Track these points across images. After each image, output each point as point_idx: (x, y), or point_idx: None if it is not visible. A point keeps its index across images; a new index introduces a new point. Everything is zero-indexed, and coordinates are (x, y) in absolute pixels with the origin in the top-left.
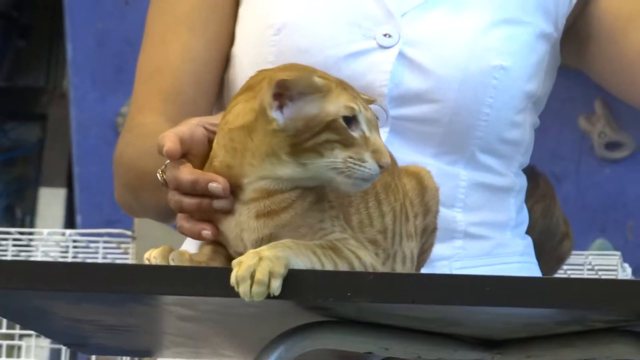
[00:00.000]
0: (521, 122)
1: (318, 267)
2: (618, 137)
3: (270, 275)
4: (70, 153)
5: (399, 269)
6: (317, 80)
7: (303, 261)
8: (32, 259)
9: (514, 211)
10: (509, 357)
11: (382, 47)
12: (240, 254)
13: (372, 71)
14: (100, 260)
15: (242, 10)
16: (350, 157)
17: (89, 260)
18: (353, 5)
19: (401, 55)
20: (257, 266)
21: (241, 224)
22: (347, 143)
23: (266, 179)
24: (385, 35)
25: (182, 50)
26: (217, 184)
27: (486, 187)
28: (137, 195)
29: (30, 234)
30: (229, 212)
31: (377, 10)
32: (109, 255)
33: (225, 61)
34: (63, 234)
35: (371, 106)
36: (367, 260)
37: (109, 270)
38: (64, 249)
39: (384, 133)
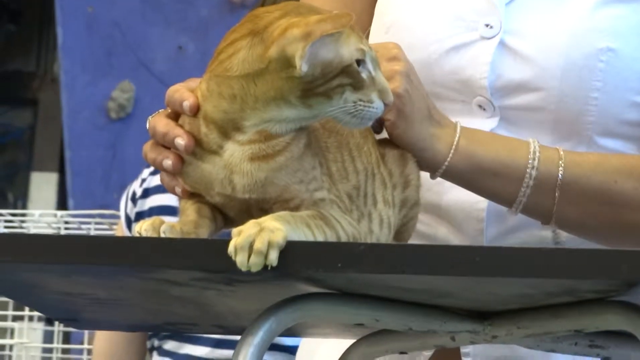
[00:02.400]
0: None
1: (311, 239)
2: None
3: (269, 246)
4: (62, 137)
5: (376, 230)
6: (337, 22)
7: (298, 234)
8: None
9: None
10: (499, 328)
11: (483, 38)
12: (227, 197)
13: (472, 64)
14: None
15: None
16: (360, 100)
17: None
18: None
19: (502, 45)
20: (257, 236)
21: (232, 166)
22: (357, 86)
23: (271, 121)
24: (487, 25)
25: None
26: (181, 139)
27: None
28: None
29: (23, 215)
30: (182, 158)
31: (481, 2)
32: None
33: None
34: (55, 215)
35: (479, 97)
36: (349, 230)
37: (99, 242)
38: (55, 231)
39: (493, 123)
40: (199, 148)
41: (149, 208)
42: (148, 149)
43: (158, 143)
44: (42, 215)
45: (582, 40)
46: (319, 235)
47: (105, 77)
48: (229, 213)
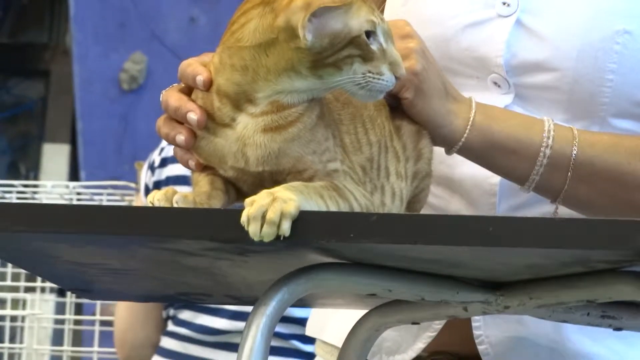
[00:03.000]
0: None
1: (324, 210)
2: None
3: (282, 216)
4: (74, 109)
5: (389, 203)
6: (335, 2)
7: (311, 205)
8: None
9: None
10: (511, 299)
11: (500, 16)
12: (240, 170)
13: (488, 41)
14: None
15: None
16: (370, 72)
17: None
18: None
19: (518, 23)
20: (270, 206)
21: (245, 138)
22: (367, 57)
23: (283, 92)
24: (504, 3)
25: None
26: (193, 114)
27: None
28: None
29: (35, 186)
30: (194, 133)
31: None
32: None
33: None
34: (67, 187)
35: (494, 75)
36: (362, 201)
37: (111, 212)
38: (67, 202)
39: (508, 99)
40: (211, 122)
41: (166, 177)
42: (161, 123)
43: (171, 118)
44: (54, 187)
45: (599, 22)
46: (332, 205)
47: (117, 49)
48: (242, 187)
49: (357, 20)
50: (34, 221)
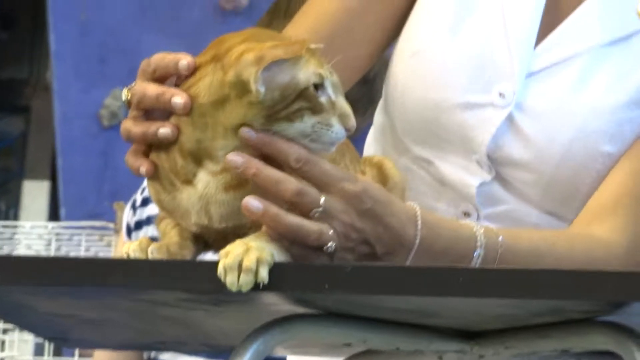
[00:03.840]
0: None
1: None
2: None
3: (259, 263)
4: (54, 145)
5: None
6: (289, 49)
7: (283, 254)
8: (15, 252)
9: None
10: (486, 348)
11: (494, 105)
12: (204, 227)
13: (477, 127)
14: (83, 253)
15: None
16: (319, 123)
17: (72, 253)
18: (485, 48)
19: (509, 119)
20: (245, 255)
21: (207, 197)
22: (316, 109)
23: (240, 148)
24: (500, 94)
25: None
26: (179, 98)
27: None
28: None
29: (14, 227)
30: (172, 140)
31: (503, 63)
32: (92, 248)
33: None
34: (46, 227)
35: (477, 156)
36: None
37: (87, 265)
38: (47, 242)
39: (488, 176)
40: (175, 179)
41: (147, 217)
42: (129, 155)
43: (136, 150)
44: (33, 227)
45: (585, 139)
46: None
47: (98, 85)
48: (207, 239)
49: (305, 73)
50: (8, 274)
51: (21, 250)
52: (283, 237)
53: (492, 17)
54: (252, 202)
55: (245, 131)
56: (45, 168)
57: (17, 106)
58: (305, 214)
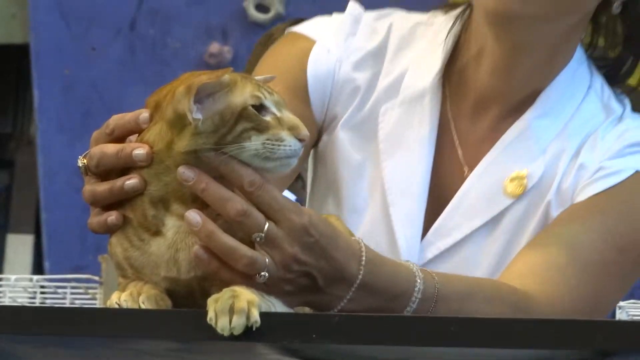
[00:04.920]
0: None
1: (272, 309)
2: None
3: (250, 305)
4: (38, 199)
5: None
6: (223, 77)
7: (266, 303)
8: None
9: None
10: None
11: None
12: (172, 280)
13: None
14: (67, 307)
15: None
16: (268, 139)
17: (56, 306)
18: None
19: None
20: (235, 299)
21: (176, 244)
22: (261, 128)
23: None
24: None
25: None
26: (141, 150)
27: None
28: None
29: None
30: (140, 190)
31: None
32: (76, 301)
33: None
34: (30, 280)
35: None
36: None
37: (76, 314)
38: (31, 295)
39: None
40: (144, 232)
41: None
42: (93, 217)
43: (102, 175)
44: (17, 280)
45: None
46: (271, 305)
47: (81, 139)
48: (175, 296)
49: (241, 96)
50: None
51: (5, 304)
52: (215, 257)
53: (377, 219)
54: (193, 215)
55: (205, 155)
56: (30, 221)
57: (1, 160)
58: (248, 236)
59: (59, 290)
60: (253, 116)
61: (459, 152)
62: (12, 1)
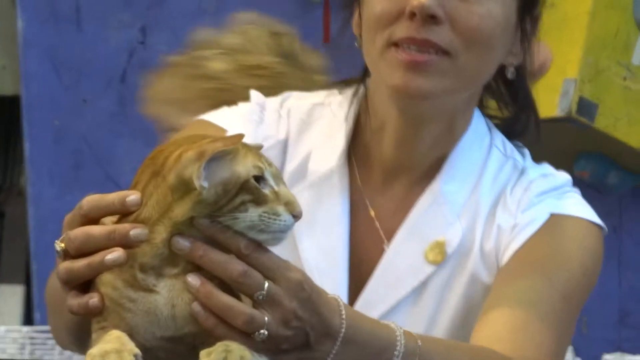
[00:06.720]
0: None
1: None
2: None
3: (242, 359)
4: (28, 250)
5: None
6: (228, 141)
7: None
8: None
9: None
10: None
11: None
12: (161, 339)
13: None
14: (57, 357)
15: None
16: (265, 213)
17: (46, 357)
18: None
19: None
20: (229, 353)
21: (173, 299)
22: (260, 201)
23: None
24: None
25: None
26: (141, 230)
27: None
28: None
29: None
30: (123, 263)
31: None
32: (65, 352)
33: None
34: (20, 331)
35: None
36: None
37: None
38: (20, 346)
39: None
40: (134, 292)
41: None
42: (72, 299)
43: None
44: (7, 331)
45: None
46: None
47: (72, 190)
48: (160, 355)
49: (244, 166)
50: None
51: None
52: (212, 315)
53: None
54: (192, 279)
55: (200, 222)
56: (20, 272)
57: None
58: (249, 296)
59: (48, 342)
60: (254, 189)
61: (377, 224)
62: (2, 53)
